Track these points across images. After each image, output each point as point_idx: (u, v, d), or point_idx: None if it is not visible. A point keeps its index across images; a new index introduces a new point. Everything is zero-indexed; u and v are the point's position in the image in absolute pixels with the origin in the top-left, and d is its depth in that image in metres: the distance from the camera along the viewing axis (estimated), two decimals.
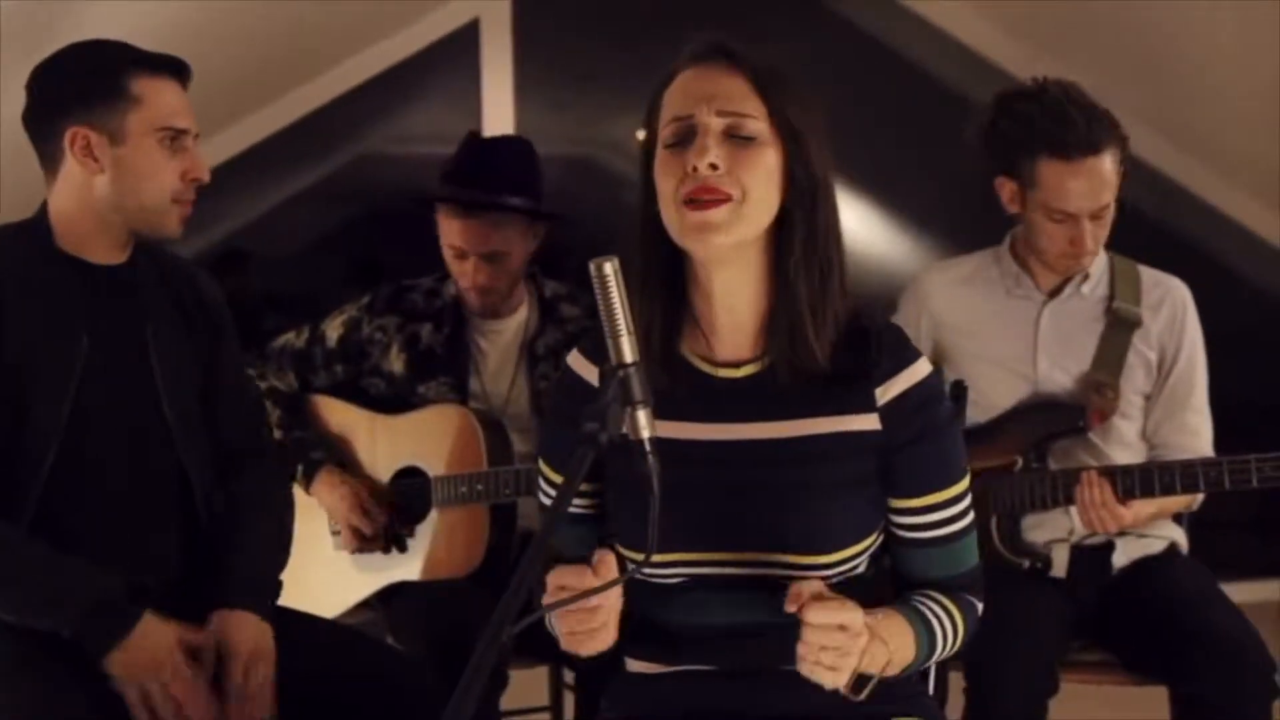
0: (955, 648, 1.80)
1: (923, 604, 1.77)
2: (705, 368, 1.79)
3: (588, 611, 1.63)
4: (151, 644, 2.10)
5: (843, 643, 1.59)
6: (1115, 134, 2.58)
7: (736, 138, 1.69)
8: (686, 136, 1.70)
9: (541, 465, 1.90)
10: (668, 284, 1.77)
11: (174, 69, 2.23)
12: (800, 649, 1.60)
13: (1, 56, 3.38)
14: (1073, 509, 2.64)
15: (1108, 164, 2.57)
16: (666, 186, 1.70)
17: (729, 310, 1.76)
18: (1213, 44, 4.48)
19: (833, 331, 1.73)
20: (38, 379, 2.15)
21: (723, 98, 1.70)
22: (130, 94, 2.18)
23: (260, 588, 2.28)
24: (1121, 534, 2.67)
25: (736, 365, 1.78)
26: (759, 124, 1.70)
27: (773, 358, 1.75)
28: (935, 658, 1.78)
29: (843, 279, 1.75)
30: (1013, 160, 2.63)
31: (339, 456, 2.91)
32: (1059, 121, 2.57)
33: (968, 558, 1.82)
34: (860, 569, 1.78)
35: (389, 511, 2.86)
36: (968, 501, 1.80)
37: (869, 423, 1.74)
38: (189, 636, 2.16)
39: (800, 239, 1.72)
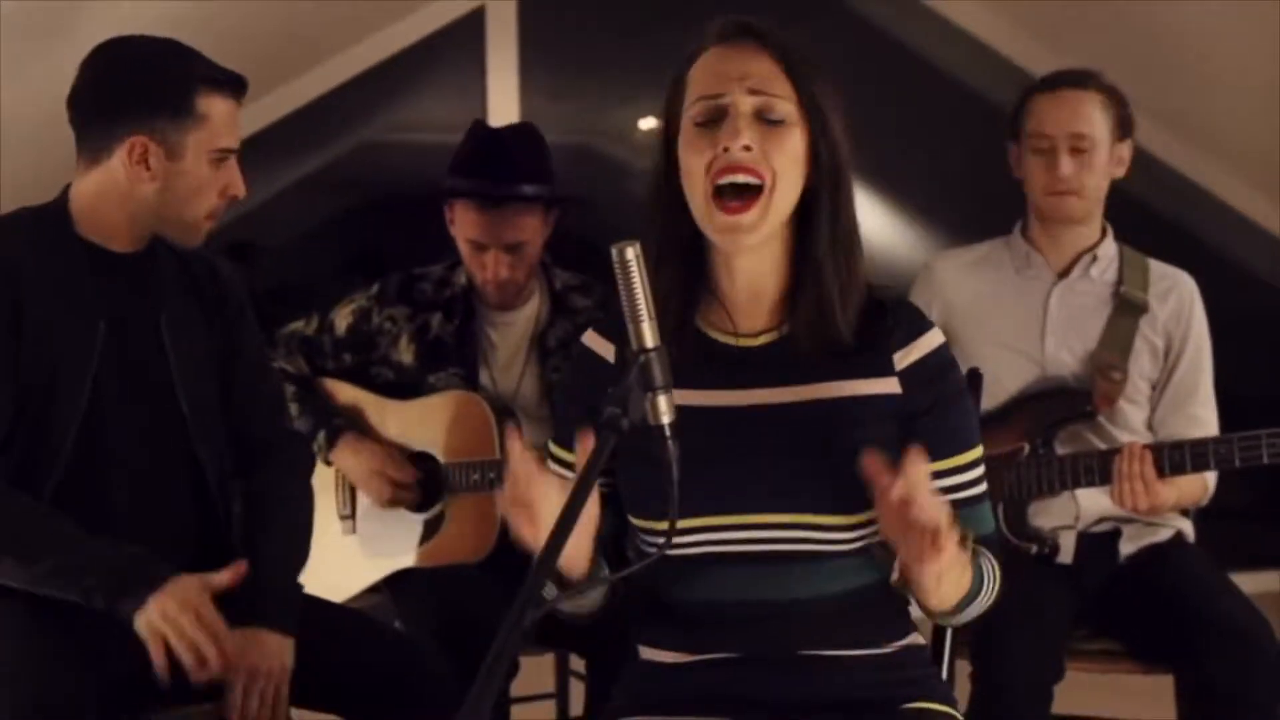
0: (989, 601, 1.80)
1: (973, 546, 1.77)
2: (722, 337, 1.80)
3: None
4: (176, 592, 2.09)
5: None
6: (1107, 88, 2.71)
7: (766, 120, 1.70)
8: (717, 115, 1.71)
9: (550, 445, 1.89)
10: (686, 258, 1.77)
11: (235, 86, 2.23)
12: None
13: (1, 53, 3.37)
14: (1080, 493, 2.65)
15: (1092, 103, 2.69)
16: (696, 164, 1.71)
17: (751, 287, 1.77)
18: (1217, 37, 4.49)
19: (857, 305, 1.76)
20: (57, 365, 2.15)
21: (754, 78, 1.71)
22: (197, 112, 2.17)
23: (281, 600, 2.25)
24: (1129, 521, 2.68)
25: (754, 335, 1.79)
26: (788, 105, 1.71)
27: (793, 328, 1.77)
28: (978, 601, 1.78)
29: (861, 256, 1.77)
30: (1015, 119, 2.75)
31: (359, 425, 2.91)
32: (1055, 71, 2.75)
33: (986, 524, 1.83)
34: (879, 535, 1.78)
35: (413, 473, 2.86)
36: (982, 469, 1.82)
37: (889, 386, 1.76)
38: (214, 580, 2.14)
39: (827, 220, 1.74)
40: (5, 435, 2.13)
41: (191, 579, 2.12)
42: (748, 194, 1.69)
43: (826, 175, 1.73)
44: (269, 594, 2.24)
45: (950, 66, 5.09)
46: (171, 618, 2.07)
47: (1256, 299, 5.26)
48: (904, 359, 1.77)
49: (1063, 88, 2.70)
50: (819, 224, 1.74)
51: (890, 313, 1.78)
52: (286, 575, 2.31)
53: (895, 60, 5.13)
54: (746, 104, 1.70)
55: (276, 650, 2.18)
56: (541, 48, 4.89)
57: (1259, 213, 5.16)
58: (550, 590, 1.68)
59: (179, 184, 2.19)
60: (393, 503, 2.86)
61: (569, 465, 1.85)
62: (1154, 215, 5.03)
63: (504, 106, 4.80)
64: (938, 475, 1.77)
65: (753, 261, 1.76)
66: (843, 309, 1.74)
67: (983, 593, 1.78)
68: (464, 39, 4.84)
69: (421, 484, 2.87)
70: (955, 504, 1.77)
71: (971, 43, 4.97)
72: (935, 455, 1.75)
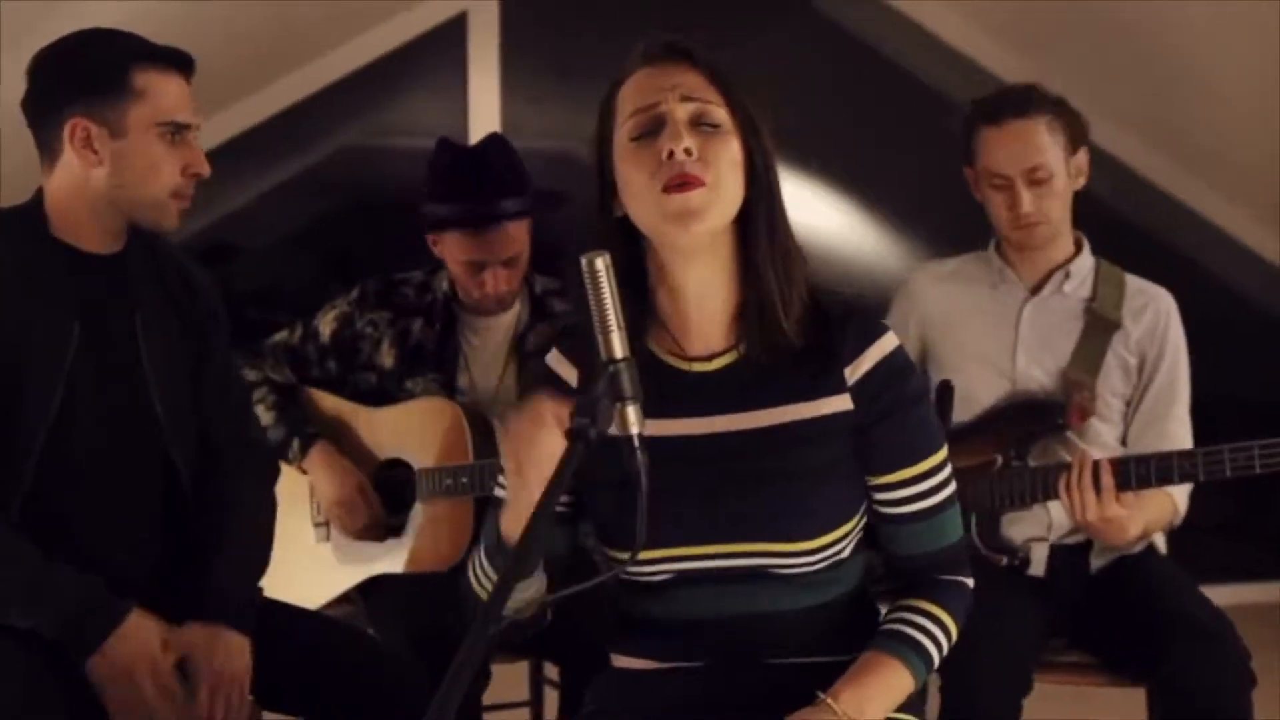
0: (953, 641, 1.82)
1: (906, 625, 1.78)
2: (676, 363, 1.79)
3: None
4: (133, 645, 2.09)
5: None
6: (1051, 106, 2.68)
7: (703, 125, 1.71)
8: (654, 126, 1.71)
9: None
10: (630, 285, 1.74)
11: (178, 62, 2.22)
12: None
13: (1, 49, 3.37)
14: (1052, 505, 2.65)
15: (1038, 130, 2.66)
16: (639, 178, 1.70)
17: (701, 304, 1.77)
18: (1205, 50, 4.49)
19: (799, 311, 1.75)
20: (29, 366, 2.14)
21: (686, 87, 1.72)
22: (133, 88, 2.16)
23: (240, 601, 2.26)
24: None
25: (708, 359, 1.79)
26: (721, 112, 1.72)
27: (746, 347, 1.77)
28: (935, 666, 1.80)
29: (801, 262, 1.77)
30: (967, 146, 2.73)
31: (333, 435, 2.91)
32: (996, 97, 2.74)
33: (952, 531, 1.83)
34: (845, 553, 1.79)
35: (382, 499, 2.86)
36: (947, 473, 1.81)
37: (842, 403, 1.76)
38: (173, 638, 2.14)
39: (765, 227, 1.74)
40: None
41: (150, 625, 2.11)
42: (693, 186, 1.69)
43: (762, 183, 1.74)
44: (230, 594, 2.24)
45: (929, 77, 5.10)
46: (129, 674, 2.08)
47: (1250, 323, 5.28)
48: (854, 372, 1.76)
49: (1007, 119, 2.66)
50: (758, 231, 1.74)
51: (839, 325, 1.77)
52: (247, 577, 2.31)
53: (873, 69, 5.13)
54: (682, 110, 1.70)
55: (239, 650, 2.19)
56: (523, 52, 4.89)
57: (1253, 236, 5.17)
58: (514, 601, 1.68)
59: (128, 163, 2.18)
60: (357, 537, 2.86)
61: None
62: (1144, 235, 5.05)
63: (485, 111, 4.80)
64: (896, 486, 1.78)
65: (700, 272, 1.75)
66: (787, 315, 1.74)
67: (936, 656, 1.79)
68: (446, 43, 4.84)
69: (395, 490, 2.87)
70: (918, 514, 1.79)
71: (951, 54, 4.98)
72: (893, 465, 1.78)
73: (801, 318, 1.75)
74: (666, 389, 1.75)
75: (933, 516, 1.80)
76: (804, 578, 1.76)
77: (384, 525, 2.87)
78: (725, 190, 1.70)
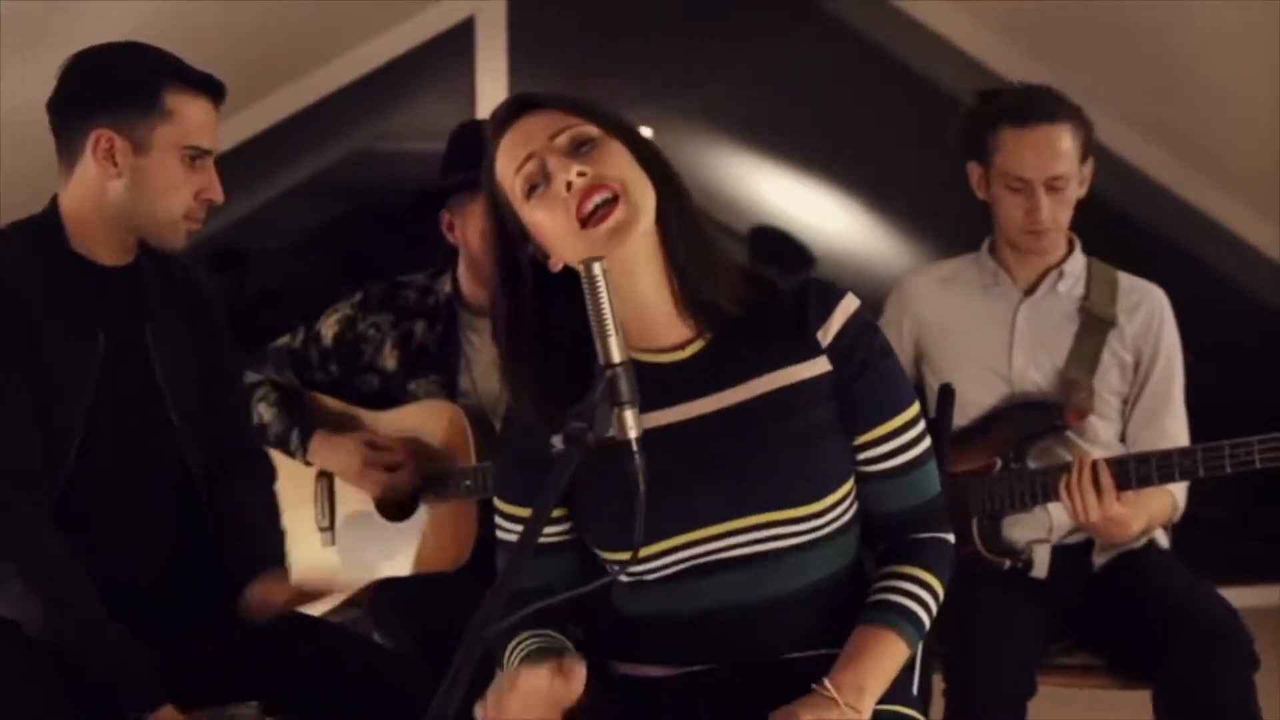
0: (940, 600, 1.84)
1: (894, 594, 1.81)
2: (649, 358, 1.81)
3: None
4: None
5: None
6: (1074, 113, 2.67)
7: (581, 147, 1.75)
8: (540, 175, 1.75)
9: (500, 504, 1.90)
10: (572, 326, 1.75)
11: (210, 88, 2.24)
12: None
13: (1, 52, 3.38)
14: (1052, 506, 2.65)
15: (1063, 136, 2.64)
16: (554, 223, 1.74)
17: (654, 303, 1.80)
18: (1210, 48, 4.49)
19: (727, 283, 1.80)
20: (60, 380, 2.17)
21: (546, 128, 1.76)
22: (163, 107, 2.19)
23: (269, 553, 2.39)
24: None
25: (681, 347, 1.82)
26: (590, 127, 1.76)
27: (710, 329, 1.81)
28: (927, 629, 1.83)
29: (715, 233, 1.83)
30: (979, 140, 2.71)
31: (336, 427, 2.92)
32: (1019, 96, 2.70)
33: (929, 486, 1.87)
34: (847, 516, 1.82)
35: (387, 501, 2.86)
36: (921, 428, 1.85)
37: (820, 366, 1.81)
38: None
39: (675, 217, 1.78)
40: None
41: None
42: (609, 205, 1.73)
43: (661, 176, 1.78)
44: (271, 548, 2.39)
45: (936, 77, 5.10)
46: None
47: (1250, 318, 5.27)
48: (826, 334, 1.81)
49: (1035, 123, 2.63)
50: (670, 222, 1.78)
51: (799, 292, 1.82)
52: (276, 540, 2.43)
53: (878, 69, 5.13)
54: (555, 146, 1.75)
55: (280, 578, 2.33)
56: (531, 56, 4.90)
57: (1255, 232, 5.16)
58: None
59: (146, 179, 2.20)
60: (390, 488, 2.85)
61: (520, 520, 1.86)
62: (1145, 232, 5.04)
63: None
64: (877, 442, 1.82)
65: (644, 274, 1.78)
66: (715, 289, 1.78)
67: (926, 619, 1.81)
68: (454, 47, 4.85)
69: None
70: (897, 469, 1.83)
71: (957, 54, 4.98)
72: (870, 422, 1.82)
73: (738, 290, 1.80)
74: (647, 383, 1.75)
75: (911, 471, 1.84)
76: (812, 548, 1.78)
77: (412, 472, 2.85)
78: (636, 189, 1.74)
